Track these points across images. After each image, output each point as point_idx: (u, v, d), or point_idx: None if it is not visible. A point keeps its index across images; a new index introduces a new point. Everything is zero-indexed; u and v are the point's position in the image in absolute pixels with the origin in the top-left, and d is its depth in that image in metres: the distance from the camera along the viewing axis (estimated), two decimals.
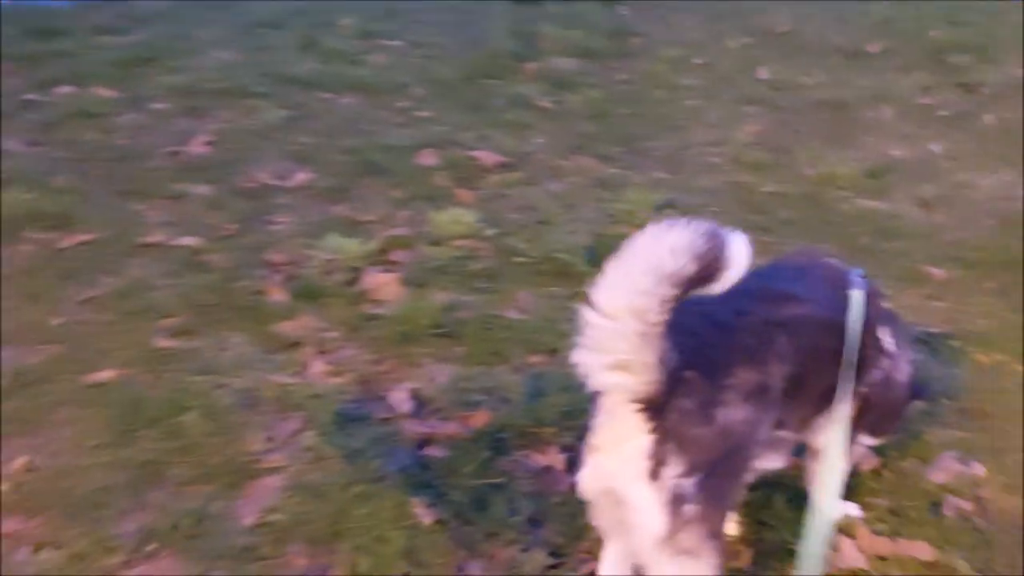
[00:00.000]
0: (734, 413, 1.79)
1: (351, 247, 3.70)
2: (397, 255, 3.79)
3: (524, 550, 2.34)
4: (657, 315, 1.57)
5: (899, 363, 2.33)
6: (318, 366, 3.06)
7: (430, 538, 2.36)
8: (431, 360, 3.13)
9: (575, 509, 2.45)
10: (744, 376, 1.82)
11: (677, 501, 1.74)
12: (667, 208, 4.22)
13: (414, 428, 2.78)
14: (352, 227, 3.97)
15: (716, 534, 1.80)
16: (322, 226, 3.94)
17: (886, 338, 2.30)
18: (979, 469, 2.73)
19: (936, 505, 2.58)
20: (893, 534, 2.46)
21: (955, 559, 2.39)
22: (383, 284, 3.56)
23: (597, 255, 3.72)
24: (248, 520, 2.40)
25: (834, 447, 1.99)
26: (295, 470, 2.56)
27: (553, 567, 2.30)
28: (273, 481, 2.52)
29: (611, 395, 1.73)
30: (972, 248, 4.15)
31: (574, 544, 2.37)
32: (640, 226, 4.27)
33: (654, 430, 1.71)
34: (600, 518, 1.96)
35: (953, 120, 5.71)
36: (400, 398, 2.92)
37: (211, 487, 2.52)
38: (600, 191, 4.44)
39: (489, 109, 5.46)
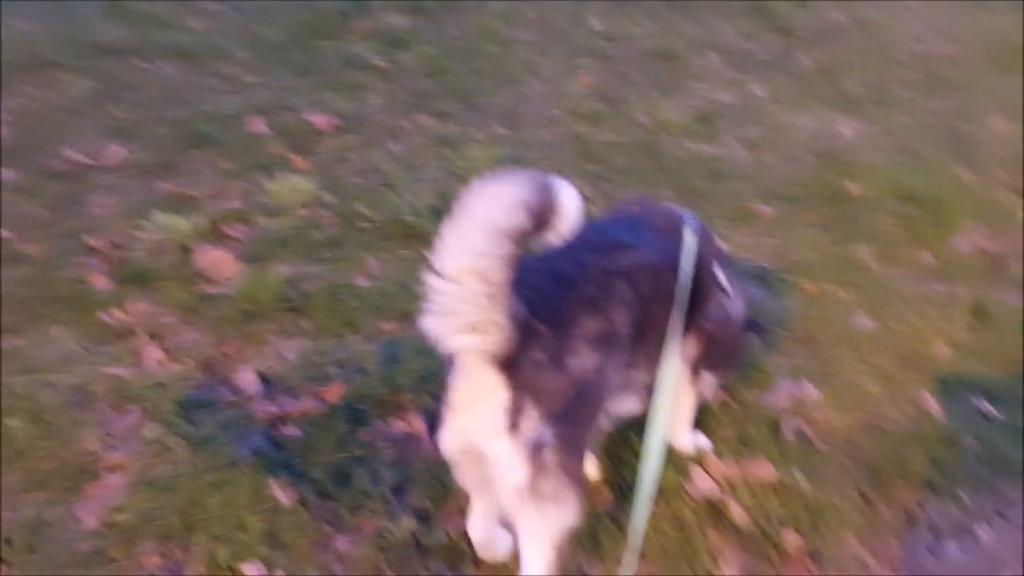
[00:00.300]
0: (584, 360, 1.83)
1: (180, 225, 3.48)
2: (232, 229, 3.59)
3: (391, 519, 2.32)
4: (501, 273, 1.58)
5: (734, 301, 2.45)
6: (154, 354, 2.87)
7: (291, 519, 2.29)
8: (278, 337, 3.01)
9: (439, 472, 2.45)
10: (590, 325, 1.86)
11: (536, 450, 1.77)
12: (509, 163, 4.22)
13: (265, 409, 2.67)
14: (180, 203, 3.73)
15: (576, 478, 1.84)
16: (146, 204, 3.68)
17: (722, 276, 2.40)
18: (812, 392, 2.93)
19: (777, 428, 2.75)
20: (740, 459, 2.61)
21: (795, 476, 2.56)
22: (219, 261, 3.37)
23: (444, 214, 3.67)
24: (91, 523, 2.25)
25: (666, 383, 2.05)
26: (139, 465, 2.41)
27: (422, 531, 2.29)
28: (115, 480, 2.36)
29: (465, 355, 1.72)
30: (796, 185, 4.40)
31: (441, 506, 2.37)
32: None
33: (509, 384, 1.73)
34: (464, 477, 1.97)
35: (773, 64, 6.01)
36: (247, 379, 2.80)
37: (47, 493, 2.34)
38: (441, 149, 4.38)
39: (320, 71, 5.25)
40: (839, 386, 2.99)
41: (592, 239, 2.03)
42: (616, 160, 4.43)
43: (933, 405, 2.93)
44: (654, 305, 2.05)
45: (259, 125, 4.46)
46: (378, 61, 5.39)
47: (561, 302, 1.85)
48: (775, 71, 5.90)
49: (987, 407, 2.95)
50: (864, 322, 3.36)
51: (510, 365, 1.72)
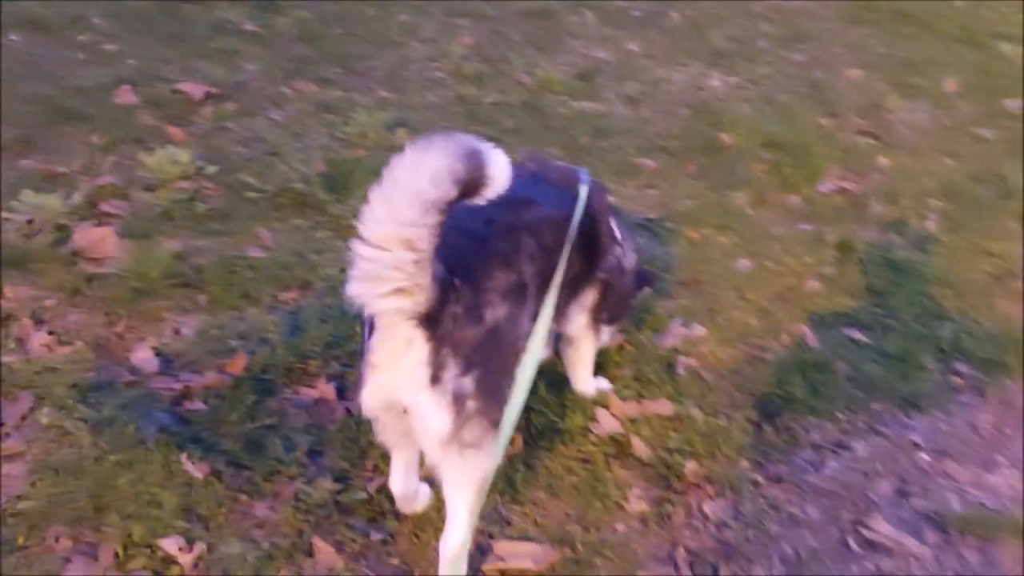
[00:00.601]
0: (499, 311, 1.90)
1: (53, 203, 3.29)
2: (111, 206, 3.44)
3: (308, 482, 2.34)
4: (429, 242, 1.62)
5: (627, 252, 2.57)
6: (41, 338, 2.74)
7: (207, 491, 2.27)
8: (173, 313, 2.93)
9: (354, 433, 2.49)
10: (503, 278, 1.94)
11: (459, 400, 1.83)
12: (398, 127, 4.21)
13: (167, 386, 2.61)
14: (50, 181, 3.53)
15: (495, 423, 1.92)
16: (13, 184, 3.45)
17: (615, 229, 2.52)
18: (700, 330, 3.12)
19: (670, 366, 2.92)
20: (639, 398, 2.76)
21: (690, 408, 2.74)
22: (99, 239, 3.22)
23: (335, 181, 3.65)
24: None
25: (542, 324, 2.12)
26: (38, 452, 2.32)
27: (341, 491, 2.32)
28: (13, 468, 2.27)
29: (388, 316, 1.75)
30: (673, 137, 4.59)
31: (359, 465, 2.41)
32: (373, 148, 4.21)
33: (430, 339, 1.78)
34: (385, 433, 2.01)
35: (645, 20, 6.19)
36: (144, 358, 2.72)
37: None
38: (326, 115, 4.31)
39: (189, 38, 5.03)
40: (723, 323, 3.19)
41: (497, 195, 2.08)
42: (503, 120, 4.49)
43: (808, 335, 3.17)
44: (558, 256, 2.14)
45: (128, 96, 4.26)
46: (250, 26, 5.22)
47: (475, 257, 1.91)
48: (648, 27, 6.08)
49: (856, 334, 3.22)
50: (742, 263, 3.58)
51: (431, 321, 1.76)
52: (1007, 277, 3.74)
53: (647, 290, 2.89)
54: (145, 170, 3.64)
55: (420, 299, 1.69)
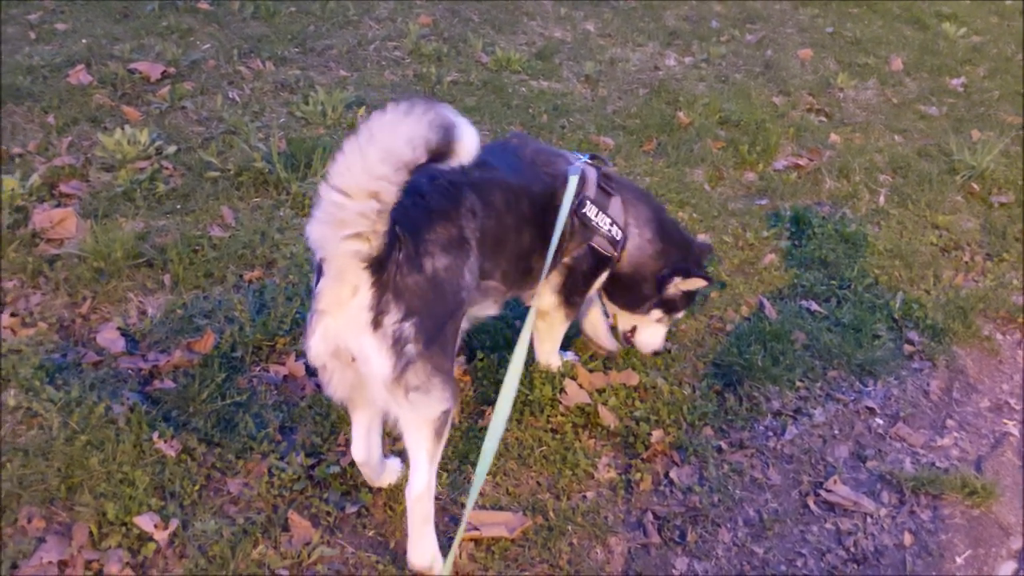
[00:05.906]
0: (438, 261, 1.97)
1: (9, 185, 3.24)
2: (68, 186, 3.39)
3: (281, 457, 2.35)
4: (394, 196, 1.71)
5: (627, 241, 2.54)
6: (2, 320, 2.70)
7: (179, 469, 2.27)
8: (137, 293, 2.91)
9: (325, 409, 2.51)
10: (442, 231, 2.01)
11: (399, 343, 1.89)
12: (358, 106, 4.19)
13: (135, 365, 2.60)
14: (5, 162, 3.46)
15: (441, 368, 1.96)
16: None
17: (593, 215, 2.50)
18: None
19: None
20: (605, 369, 2.82)
21: (654, 378, 2.80)
22: (59, 220, 3.18)
23: (296, 159, 3.63)
24: None
25: (532, 315, 2.20)
26: (5, 433, 2.30)
27: (314, 466, 2.34)
28: None
29: (342, 259, 1.80)
30: (631, 116, 4.64)
31: (331, 440, 2.43)
32: (333, 126, 4.19)
33: (375, 284, 1.85)
34: (334, 383, 2.01)
35: (600, 0, 6.23)
36: (110, 338, 2.70)
37: None
38: (285, 94, 4.28)
39: (140, 16, 4.94)
40: None
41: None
42: (463, 99, 4.50)
43: (767, 306, 3.26)
44: (507, 220, 2.19)
45: (81, 75, 4.17)
46: (204, 4, 5.14)
47: (415, 210, 1.96)
48: (603, 7, 6.12)
49: (812, 305, 3.32)
50: (701, 237, 3.65)
51: (379, 266, 1.82)
52: (952, 248, 3.88)
53: (677, 280, 2.63)
54: (102, 150, 3.59)
55: (375, 244, 1.77)
